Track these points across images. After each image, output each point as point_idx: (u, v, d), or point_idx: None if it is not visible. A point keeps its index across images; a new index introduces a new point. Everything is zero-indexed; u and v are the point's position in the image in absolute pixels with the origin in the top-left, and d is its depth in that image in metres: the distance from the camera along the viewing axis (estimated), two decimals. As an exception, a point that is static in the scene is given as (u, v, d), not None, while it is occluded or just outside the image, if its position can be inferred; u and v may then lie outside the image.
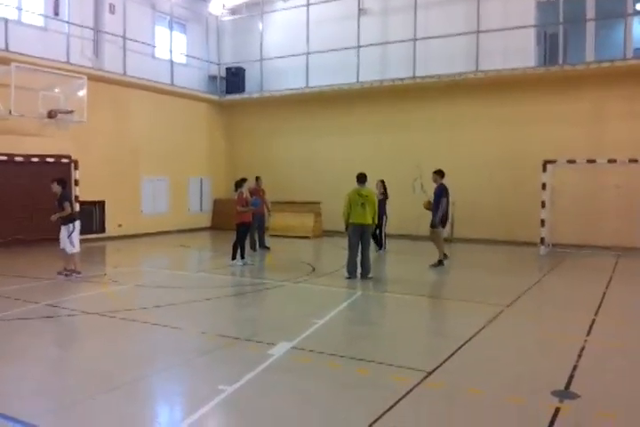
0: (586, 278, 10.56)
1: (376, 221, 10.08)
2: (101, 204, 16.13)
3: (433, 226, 11.38)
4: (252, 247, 13.64)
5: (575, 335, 6.43)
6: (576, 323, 7.05)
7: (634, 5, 14.93)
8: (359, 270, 9.82)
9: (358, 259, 9.82)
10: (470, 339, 6.21)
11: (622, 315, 7.61)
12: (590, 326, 6.82)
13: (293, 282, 9.60)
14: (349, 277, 9.76)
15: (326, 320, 6.97)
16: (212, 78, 19.95)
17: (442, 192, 11.34)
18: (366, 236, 9.86)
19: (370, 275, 9.82)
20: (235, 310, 7.93)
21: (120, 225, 16.48)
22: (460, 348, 5.87)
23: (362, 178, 10.05)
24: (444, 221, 11.49)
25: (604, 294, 8.83)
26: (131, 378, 5.04)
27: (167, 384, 5.11)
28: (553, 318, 7.34)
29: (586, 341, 6.20)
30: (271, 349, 5.73)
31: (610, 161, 13.10)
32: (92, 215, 15.92)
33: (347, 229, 9.94)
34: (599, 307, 7.90)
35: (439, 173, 11.62)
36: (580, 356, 5.66)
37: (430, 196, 11.84)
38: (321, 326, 6.68)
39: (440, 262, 11.38)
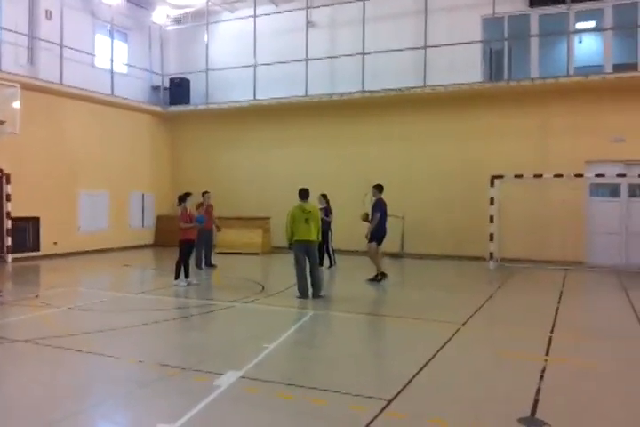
0: (537, 294, 10.51)
1: (320, 238, 9.74)
2: (35, 220, 15.19)
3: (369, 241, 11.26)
4: (198, 265, 13.06)
5: (534, 354, 6.25)
6: (533, 341, 6.87)
7: (575, 24, 15.33)
8: (310, 289, 9.43)
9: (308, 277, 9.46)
10: (428, 362, 5.91)
11: (578, 331, 7.49)
12: (548, 344, 6.66)
13: (242, 302, 9.12)
14: (301, 297, 9.35)
15: (277, 344, 6.53)
16: (155, 89, 19.30)
17: (377, 207, 11.24)
18: (312, 253, 9.52)
19: (321, 293, 9.44)
20: (178, 336, 7.37)
21: (55, 243, 15.55)
22: (418, 372, 5.56)
23: (304, 193, 9.76)
24: (380, 237, 11.31)
25: (557, 309, 8.76)
26: (60, 415, 4.49)
27: (100, 422, 4.57)
28: (510, 337, 7.13)
29: (546, 360, 6.01)
30: (218, 379, 5.26)
31: (556, 176, 13.27)
32: (26, 232, 14.97)
33: (290, 246, 9.61)
34: (554, 323, 7.78)
35: (377, 188, 11.56)
36: (541, 377, 5.44)
37: (368, 208, 11.70)
38: (272, 351, 6.24)
39: (377, 277, 11.18)
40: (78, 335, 6.97)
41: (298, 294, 9.40)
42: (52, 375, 5.61)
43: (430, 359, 6.00)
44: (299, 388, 5.10)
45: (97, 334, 7.09)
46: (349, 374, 5.58)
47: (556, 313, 8.42)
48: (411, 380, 5.33)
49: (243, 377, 5.35)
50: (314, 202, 10.36)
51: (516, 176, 13.50)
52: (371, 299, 10.21)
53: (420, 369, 5.64)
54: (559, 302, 9.32)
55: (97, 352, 6.23)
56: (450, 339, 6.84)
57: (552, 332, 7.24)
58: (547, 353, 6.29)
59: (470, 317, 8.10)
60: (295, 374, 5.64)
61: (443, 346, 6.52)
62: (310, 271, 9.44)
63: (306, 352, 6.48)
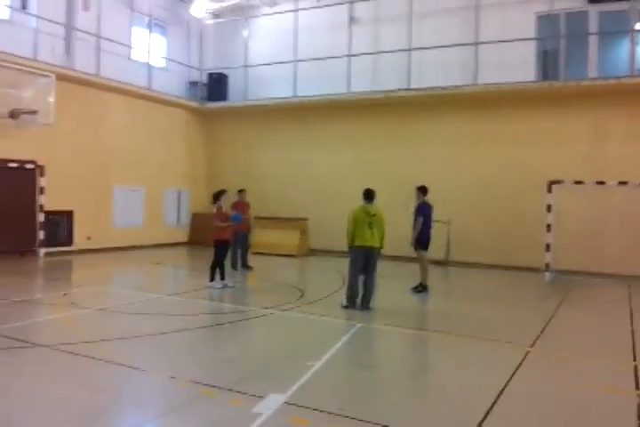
0: (605, 312, 9.50)
1: (384, 245, 8.89)
2: (69, 214, 14.77)
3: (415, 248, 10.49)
4: (233, 266, 12.44)
5: (624, 388, 5.37)
6: (618, 370, 5.99)
7: (637, 22, 14.26)
8: (359, 299, 8.64)
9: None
10: (502, 392, 5.10)
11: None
12: (635, 376, 5.76)
13: (280, 310, 8.40)
14: (347, 307, 8.54)
15: (324, 362, 5.79)
16: (193, 84, 18.76)
17: (420, 210, 10.45)
18: (373, 260, 8.65)
19: (370, 305, 8.65)
20: (212, 347, 6.65)
21: (89, 238, 15.12)
22: (492, 406, 4.74)
23: (370, 195, 8.86)
24: (424, 243, 10.48)
25: (633, 332, 7.80)
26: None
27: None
28: (589, 365, 6.22)
29: (639, 395, 5.13)
30: (258, 404, 4.55)
31: (620, 183, 12.24)
32: (59, 226, 14.57)
33: (350, 249, 8.76)
34: (634, 350, 6.85)
35: (421, 190, 10.75)
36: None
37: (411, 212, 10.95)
38: (318, 371, 5.50)
39: (421, 287, 10.40)
40: (104, 342, 6.35)
41: (344, 302, 8.60)
42: (67, 390, 4.92)
43: (504, 388, 5.18)
44: (356, 422, 4.32)
45: (124, 341, 6.46)
46: (412, 406, 4.80)
47: (633, 337, 7.46)
48: (484, 417, 4.52)
49: (287, 403, 4.62)
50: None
51: (576, 182, 12.50)
52: (419, 312, 9.41)
53: (495, 402, 4.83)
54: (632, 324, 8.35)
55: (123, 363, 5.58)
56: (520, 364, 6.00)
57: (635, 360, 6.33)
58: (637, 387, 5.40)
59: (537, 338, 7.22)
60: (349, 401, 4.86)
61: (514, 373, 5.69)
62: (365, 280, 8.64)
63: (357, 374, 5.69)
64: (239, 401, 4.65)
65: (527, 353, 6.47)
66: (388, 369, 5.86)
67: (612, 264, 13.31)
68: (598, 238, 13.60)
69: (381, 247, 8.82)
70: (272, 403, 4.59)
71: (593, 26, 14.33)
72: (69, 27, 14.62)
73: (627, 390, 5.29)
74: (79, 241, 14.90)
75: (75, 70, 14.28)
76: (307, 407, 4.55)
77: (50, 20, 13.81)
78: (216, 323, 7.78)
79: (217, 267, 10.30)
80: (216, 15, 18.88)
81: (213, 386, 4.99)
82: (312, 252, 16.40)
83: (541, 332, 7.59)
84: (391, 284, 11.06)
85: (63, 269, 12.95)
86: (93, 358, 5.74)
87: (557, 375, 5.78)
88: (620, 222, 13.46)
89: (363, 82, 16.14)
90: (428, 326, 8.01)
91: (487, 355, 6.47)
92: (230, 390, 4.90)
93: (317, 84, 16.55)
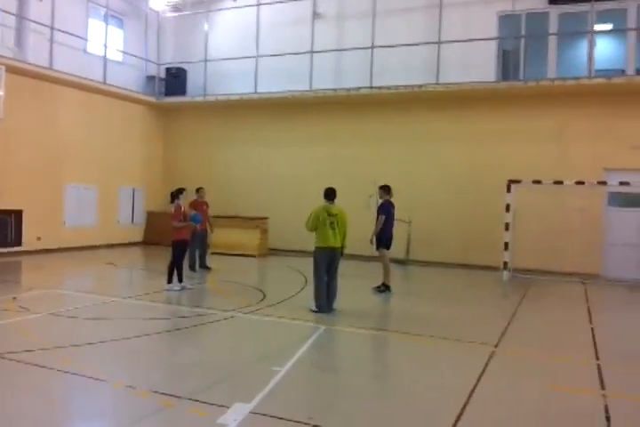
0: (563, 311, 9.63)
1: (346, 244, 8.73)
2: (18, 213, 14.13)
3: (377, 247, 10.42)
4: (192, 267, 12.12)
5: (589, 388, 5.39)
6: (581, 370, 6.04)
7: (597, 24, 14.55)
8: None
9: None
10: (471, 394, 5.03)
11: (626, 357, 6.64)
12: (599, 375, 5.79)
13: (242, 313, 8.18)
14: (318, 311, 8.29)
15: (289, 367, 5.62)
16: (150, 79, 18.26)
17: (382, 209, 10.43)
18: (335, 261, 8.48)
19: (334, 306, 8.50)
20: (172, 353, 6.39)
21: (39, 238, 14.51)
22: (462, 410, 4.66)
23: (330, 194, 8.63)
24: (386, 242, 10.43)
25: (593, 330, 7.89)
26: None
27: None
28: (553, 364, 6.25)
29: (604, 396, 5.14)
30: (223, 415, 4.34)
31: (577, 183, 12.44)
32: (7, 226, 13.92)
33: (314, 250, 8.53)
34: (595, 347, 6.93)
35: (384, 189, 10.73)
36: (607, 418, 4.58)
37: (373, 211, 10.92)
38: (284, 377, 5.32)
39: (383, 287, 10.34)
40: (57, 349, 6.01)
41: (314, 307, 8.36)
42: (18, 403, 4.61)
43: (473, 390, 5.12)
44: (325, 431, 4.19)
45: (79, 349, 6.14)
46: (381, 411, 4.66)
47: (593, 335, 7.56)
48: (457, 419, 4.44)
49: (253, 413, 4.43)
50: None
51: (535, 182, 12.64)
52: (383, 312, 9.35)
53: (465, 405, 4.75)
54: (591, 322, 8.47)
55: (78, 372, 5.29)
56: (486, 365, 5.96)
57: (598, 359, 6.38)
58: (602, 387, 5.42)
59: (501, 337, 7.23)
60: (317, 408, 4.69)
61: (482, 374, 5.64)
62: (327, 281, 8.44)
63: (325, 379, 5.54)
64: (202, 411, 4.44)
65: (492, 353, 6.45)
66: (355, 373, 5.71)
67: (566, 263, 13.58)
68: (555, 238, 13.83)
69: (344, 247, 8.68)
70: (237, 413, 4.38)
71: (553, 27, 14.55)
72: (21, 17, 13.99)
73: (593, 390, 5.30)
74: (29, 242, 14.28)
75: (26, 63, 13.67)
76: (274, 417, 4.37)
77: (0, 10, 13.17)
78: (175, 327, 7.49)
79: (175, 268, 9.98)
80: (176, 8, 18.43)
81: (174, 395, 4.75)
82: (272, 251, 16.19)
83: (504, 331, 7.61)
84: (353, 284, 10.94)
85: (12, 270, 12.37)
86: (46, 367, 5.41)
87: (524, 376, 5.75)
88: (577, 222, 13.71)
89: (325, 79, 16.01)
90: (392, 327, 7.92)
91: (453, 355, 6.42)
92: (192, 399, 4.67)
93: (279, 81, 16.32)
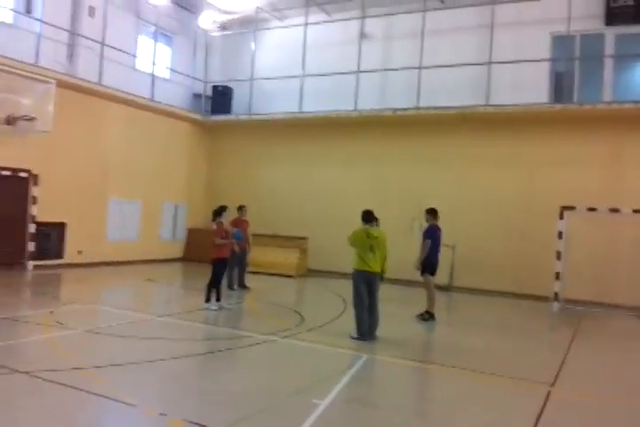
0: (620, 347, 9.04)
1: (385, 269, 8.39)
2: (61, 226, 14.24)
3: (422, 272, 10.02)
4: (230, 286, 11.91)
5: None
6: (650, 417, 5.50)
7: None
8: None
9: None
10: (530, 442, 4.59)
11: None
12: (671, 424, 5.26)
13: (280, 337, 7.86)
14: (359, 339, 7.87)
15: (330, 400, 5.26)
16: (197, 96, 18.41)
17: (428, 233, 10.01)
18: (375, 286, 8.11)
19: (376, 334, 8.11)
20: (207, 378, 6.09)
21: (80, 252, 14.56)
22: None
23: (369, 216, 8.31)
24: (432, 267, 10.01)
25: (657, 370, 7.31)
26: None
27: None
28: (615, 406, 5.74)
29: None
30: (261, 453, 4.02)
31: (635, 211, 11.81)
32: (50, 238, 14.02)
33: (353, 273, 8.19)
34: (662, 391, 6.37)
35: (430, 212, 10.32)
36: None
37: (417, 235, 10.61)
38: (325, 411, 4.96)
39: (427, 314, 9.90)
40: (90, 369, 5.80)
41: (355, 335, 7.96)
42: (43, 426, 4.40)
43: (531, 438, 4.67)
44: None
45: (111, 369, 5.91)
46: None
47: (658, 376, 6.98)
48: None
49: (293, 452, 4.10)
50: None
51: (590, 209, 12.08)
52: (427, 343, 8.90)
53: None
54: (653, 361, 7.87)
55: (108, 395, 5.04)
56: (544, 407, 5.48)
57: (667, 404, 5.83)
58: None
59: (557, 376, 6.71)
60: (360, 450, 4.34)
61: (539, 417, 5.17)
62: (369, 309, 8.06)
63: (368, 415, 5.13)
64: (238, 447, 4.13)
65: (549, 393, 5.96)
66: (400, 409, 5.31)
67: (621, 294, 12.85)
68: (608, 267, 13.13)
69: (384, 272, 8.32)
70: (275, 450, 4.06)
71: (609, 48, 14.05)
72: (73, 33, 14.28)
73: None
74: (70, 255, 14.34)
75: (76, 77, 13.89)
76: (314, 457, 4.03)
77: (54, 26, 13.46)
78: (212, 350, 7.22)
79: (213, 287, 9.78)
80: (223, 27, 18.60)
81: (209, 427, 4.46)
82: (311, 272, 15.88)
83: (560, 369, 7.08)
84: (395, 310, 10.51)
85: (52, 283, 12.39)
86: (76, 388, 5.19)
87: (586, 422, 5.25)
88: (631, 251, 13.01)
89: (371, 99, 15.82)
90: (437, 360, 7.46)
91: (505, 394, 5.95)
92: (228, 433, 4.37)
93: (324, 100, 16.22)
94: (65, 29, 13.97)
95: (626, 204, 12.34)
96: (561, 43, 14.62)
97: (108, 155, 15.22)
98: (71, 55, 14.28)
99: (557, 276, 12.16)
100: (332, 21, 16.75)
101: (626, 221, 12.97)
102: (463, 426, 4.96)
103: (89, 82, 14.08)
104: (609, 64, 14.22)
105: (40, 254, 13.62)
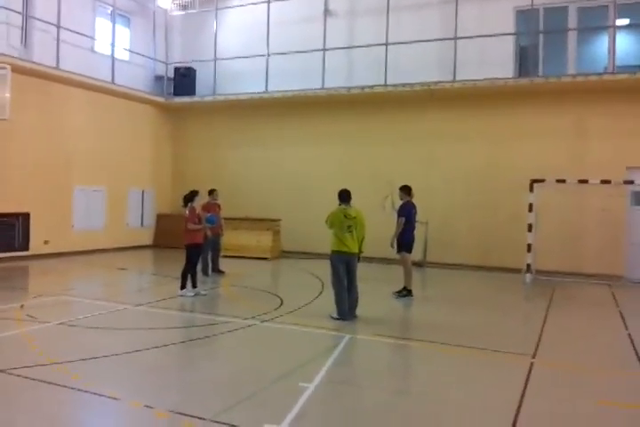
0: (594, 315, 9.24)
1: (363, 249, 8.36)
2: (25, 216, 13.80)
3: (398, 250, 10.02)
4: (205, 271, 11.77)
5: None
6: (630, 383, 5.61)
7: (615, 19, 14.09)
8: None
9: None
10: (519, 411, 4.63)
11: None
12: (651, 389, 5.38)
13: (260, 320, 7.79)
14: (340, 319, 7.88)
15: (318, 383, 5.23)
16: (159, 78, 17.91)
17: (402, 211, 10.04)
18: (353, 266, 8.10)
19: (356, 313, 8.11)
20: (190, 367, 5.98)
21: (46, 242, 14.17)
22: (512, 431, 4.27)
23: (345, 196, 8.25)
24: (408, 245, 10.02)
25: (630, 336, 7.47)
26: None
27: None
28: (596, 376, 5.85)
29: (662, 414, 4.73)
30: (252, 440, 3.96)
31: (603, 182, 12.02)
32: (14, 230, 13.58)
33: (331, 254, 8.16)
34: (637, 354, 6.51)
35: (403, 190, 10.32)
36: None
37: (389, 213, 10.71)
38: (314, 394, 4.93)
39: (405, 291, 9.95)
40: (67, 364, 5.64)
41: (336, 315, 7.95)
42: (22, 425, 4.25)
43: (519, 408, 4.71)
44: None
45: (90, 362, 5.76)
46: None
47: (633, 344, 7.12)
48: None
49: (285, 437, 4.05)
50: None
51: (558, 181, 12.23)
52: (407, 319, 8.95)
53: (514, 423, 4.35)
54: (626, 328, 8.04)
55: (91, 390, 4.91)
56: (528, 379, 5.55)
57: (645, 370, 5.98)
58: (658, 402, 5.02)
59: (537, 346, 6.81)
60: (353, 432, 4.31)
61: (525, 389, 5.23)
62: (348, 288, 8.04)
63: (356, 396, 5.10)
64: (229, 436, 4.06)
65: (531, 365, 6.04)
66: (388, 389, 5.31)
67: (588, 264, 13.16)
68: (578, 238, 13.40)
69: (361, 252, 8.30)
70: (267, 437, 4.01)
71: (572, 21, 14.12)
72: (27, 15, 13.66)
73: (648, 409, 4.90)
74: (36, 245, 13.93)
75: (32, 62, 13.33)
76: (307, 442, 3.99)
77: (6, 8, 12.83)
78: (191, 338, 7.10)
79: (189, 273, 9.63)
80: (184, 6, 18.06)
81: (197, 417, 4.37)
82: (285, 254, 15.80)
83: (539, 339, 7.19)
84: (372, 288, 10.53)
85: (19, 276, 12.03)
86: (55, 383, 5.04)
87: (571, 390, 5.34)
88: (599, 221, 13.27)
89: (338, 77, 15.61)
90: (418, 336, 7.48)
91: (490, 368, 6.02)
92: (217, 421, 4.29)
93: (291, 80, 15.94)
94: (17, 12, 13.34)
95: (592, 175, 12.54)
96: (524, 17, 14.61)
97: (69, 141, 14.74)
98: (25, 39, 13.69)
99: (529, 248, 12.33)
100: (295, -2, 16.41)
101: (592, 192, 13.20)
102: (452, 401, 4.99)
103: (46, 66, 13.54)
104: (572, 37, 14.29)
105: (4, 247, 13.21)
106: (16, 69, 12.34)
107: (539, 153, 13.79)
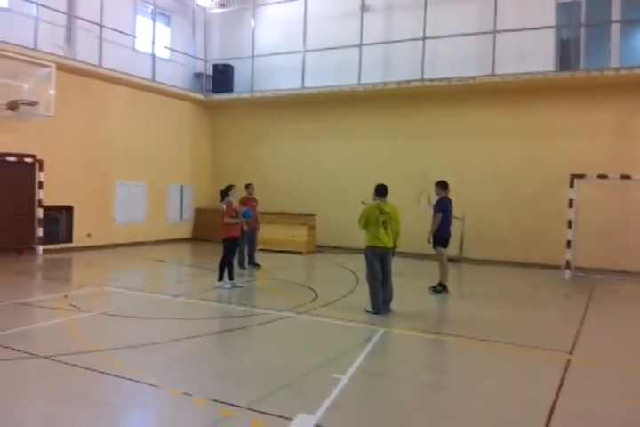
0: (633, 313, 9.05)
1: (398, 244, 8.37)
2: (69, 210, 14.25)
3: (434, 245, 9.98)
4: (241, 265, 11.95)
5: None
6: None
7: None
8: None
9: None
10: (553, 408, 4.60)
11: None
12: (692, 388, 5.27)
13: (296, 313, 7.90)
14: (374, 313, 7.93)
15: (351, 374, 5.29)
16: (198, 76, 18.22)
17: (438, 206, 9.95)
18: (388, 262, 8.12)
19: (390, 307, 8.13)
20: (227, 356, 6.12)
21: (89, 234, 14.60)
22: (546, 426, 4.24)
23: (382, 190, 8.25)
24: (444, 240, 9.97)
25: (674, 336, 7.31)
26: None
27: None
28: (633, 375, 5.75)
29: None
30: (287, 427, 4.05)
31: (646, 177, 11.72)
32: (58, 222, 14.04)
33: (365, 249, 8.20)
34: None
35: (440, 185, 10.21)
36: None
37: (426, 208, 10.63)
38: (347, 386, 4.99)
39: (440, 287, 9.89)
40: (108, 351, 5.83)
41: (370, 309, 8.01)
42: (67, 411, 4.38)
43: (554, 405, 4.68)
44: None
45: (130, 351, 5.95)
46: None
47: (676, 342, 6.98)
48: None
49: (318, 426, 4.11)
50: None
51: (600, 176, 11.97)
52: (442, 315, 8.92)
53: (547, 423, 4.32)
54: (669, 326, 7.88)
55: (131, 377, 5.07)
56: (564, 376, 5.50)
57: (686, 369, 5.84)
58: (700, 402, 4.91)
59: (574, 344, 6.72)
60: (387, 424, 4.33)
61: (560, 386, 5.18)
62: (383, 283, 8.08)
63: (391, 389, 5.15)
64: (265, 423, 4.15)
65: (568, 362, 5.97)
66: (422, 382, 5.34)
67: (633, 261, 12.83)
68: (620, 234, 13.10)
69: (396, 247, 8.30)
70: (303, 426, 4.08)
71: (615, 13, 13.76)
72: (71, 15, 14.06)
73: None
74: (79, 238, 14.39)
75: (76, 60, 13.72)
76: (341, 431, 4.05)
77: (51, 9, 13.23)
78: (229, 328, 7.25)
79: (226, 265, 9.80)
80: (222, 4, 18.30)
81: (234, 404, 4.48)
82: (319, 248, 15.89)
83: (576, 337, 7.08)
84: (408, 283, 10.51)
85: (63, 267, 12.44)
86: (97, 370, 5.23)
87: (608, 388, 5.27)
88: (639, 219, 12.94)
89: (374, 73, 15.59)
90: (453, 331, 7.45)
91: (524, 364, 5.97)
92: (253, 409, 4.39)
93: (327, 76, 16.01)
94: (62, 12, 13.75)
95: (636, 170, 12.22)
96: (566, 9, 14.32)
97: (110, 137, 15.14)
98: (69, 38, 14.09)
99: (569, 244, 12.12)
100: (332, -5, 16.44)
101: (637, 188, 12.87)
102: (486, 396, 4.98)
103: (89, 64, 13.91)
104: (615, 30, 13.93)
105: (49, 239, 13.67)
106: (61, 68, 12.76)
107: (579, 148, 13.52)
